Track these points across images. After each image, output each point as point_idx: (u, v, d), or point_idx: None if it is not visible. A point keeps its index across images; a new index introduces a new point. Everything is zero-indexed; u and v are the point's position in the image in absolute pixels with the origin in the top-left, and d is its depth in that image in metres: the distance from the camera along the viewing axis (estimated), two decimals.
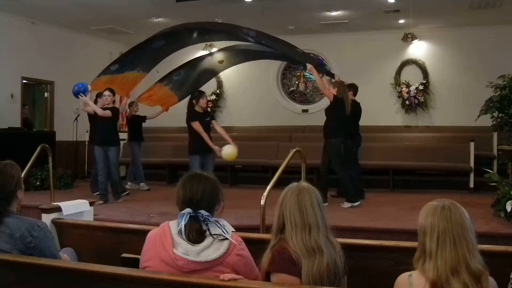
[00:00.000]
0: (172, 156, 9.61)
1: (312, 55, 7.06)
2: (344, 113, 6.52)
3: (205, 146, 6.78)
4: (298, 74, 11.47)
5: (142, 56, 7.31)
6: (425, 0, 8.29)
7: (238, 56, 7.92)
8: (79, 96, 6.97)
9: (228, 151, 6.59)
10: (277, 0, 8.36)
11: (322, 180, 6.73)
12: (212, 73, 8.37)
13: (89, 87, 7.24)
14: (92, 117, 7.54)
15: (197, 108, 6.88)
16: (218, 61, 7.85)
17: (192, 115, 6.90)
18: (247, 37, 6.80)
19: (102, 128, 6.97)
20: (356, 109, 7.05)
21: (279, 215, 2.20)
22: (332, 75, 7.07)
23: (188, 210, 2.19)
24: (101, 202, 6.72)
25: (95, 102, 8.06)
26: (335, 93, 6.52)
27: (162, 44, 7.19)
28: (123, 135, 9.30)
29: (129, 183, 8.85)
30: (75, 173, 9.55)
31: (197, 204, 2.20)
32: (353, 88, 7.22)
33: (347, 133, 6.70)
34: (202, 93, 7.11)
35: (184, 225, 2.15)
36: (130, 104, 9.11)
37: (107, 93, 7.08)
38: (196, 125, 6.78)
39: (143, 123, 8.74)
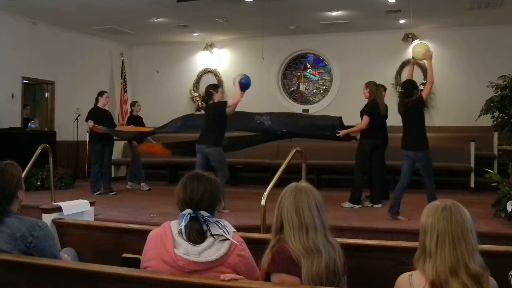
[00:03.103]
0: (173, 156, 9.60)
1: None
2: (379, 115, 6.47)
3: None
4: (299, 74, 11.47)
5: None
6: (425, 0, 8.28)
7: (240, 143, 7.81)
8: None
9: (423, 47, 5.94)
10: (278, 0, 8.35)
11: (375, 182, 6.68)
12: None
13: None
14: None
15: None
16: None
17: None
18: (263, 124, 6.88)
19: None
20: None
21: (277, 215, 2.19)
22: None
23: (188, 211, 2.18)
24: None
25: (97, 100, 8.04)
26: (367, 94, 6.49)
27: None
28: None
29: (129, 183, 8.86)
30: (76, 173, 9.55)
31: (197, 205, 2.20)
32: (383, 89, 7.09)
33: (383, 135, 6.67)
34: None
35: (185, 225, 2.15)
36: (133, 104, 9.13)
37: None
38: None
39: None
